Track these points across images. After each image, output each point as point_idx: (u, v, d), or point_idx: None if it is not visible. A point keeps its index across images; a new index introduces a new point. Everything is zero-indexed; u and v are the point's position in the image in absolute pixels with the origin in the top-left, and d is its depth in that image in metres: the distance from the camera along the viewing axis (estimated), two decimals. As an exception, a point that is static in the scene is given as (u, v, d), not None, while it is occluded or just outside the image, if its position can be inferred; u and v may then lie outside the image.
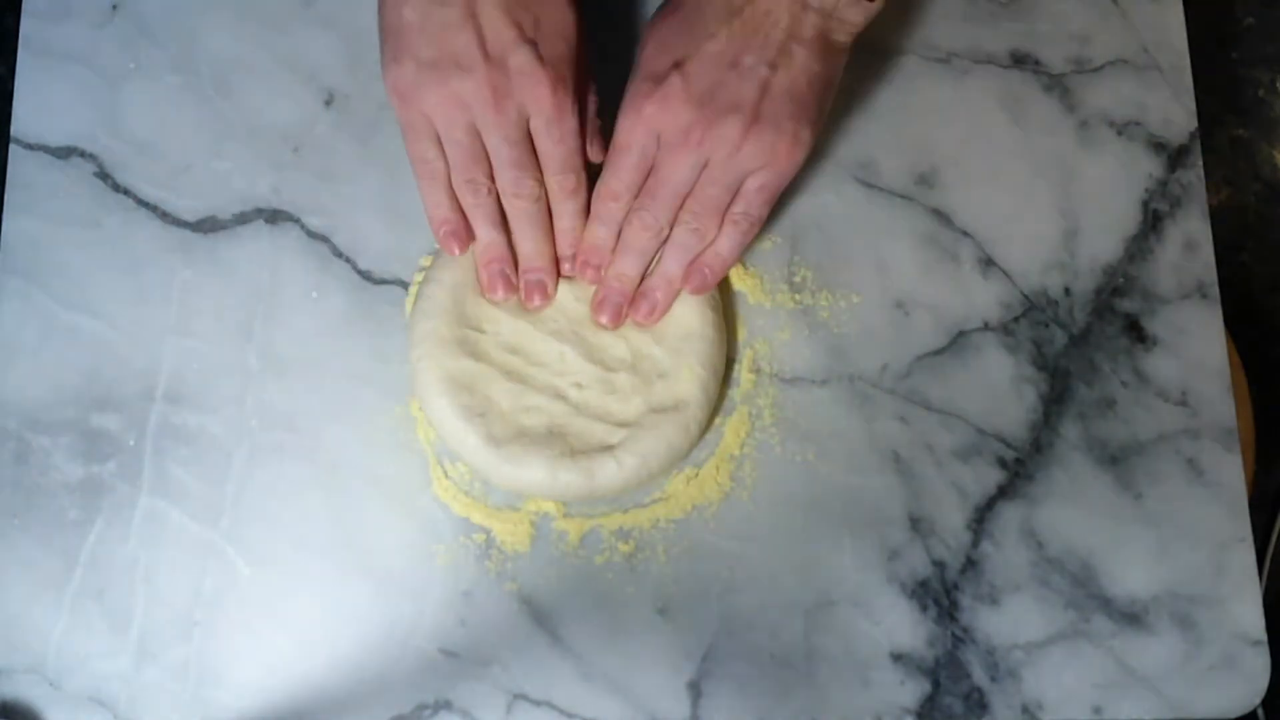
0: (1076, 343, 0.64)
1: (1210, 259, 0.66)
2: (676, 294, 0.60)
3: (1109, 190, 0.66)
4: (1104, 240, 0.66)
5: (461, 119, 0.55)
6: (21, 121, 0.64)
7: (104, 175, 0.64)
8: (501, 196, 0.58)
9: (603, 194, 0.59)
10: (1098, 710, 0.60)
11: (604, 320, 0.60)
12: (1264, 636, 0.61)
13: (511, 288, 0.60)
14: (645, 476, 0.60)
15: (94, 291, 0.62)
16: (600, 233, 0.59)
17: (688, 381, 0.60)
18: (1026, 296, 0.65)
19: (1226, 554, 0.62)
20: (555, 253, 0.60)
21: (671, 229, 0.59)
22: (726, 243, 0.59)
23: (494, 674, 0.59)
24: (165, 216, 0.63)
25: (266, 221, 0.63)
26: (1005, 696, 0.60)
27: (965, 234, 0.65)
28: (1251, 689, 0.61)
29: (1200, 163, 0.67)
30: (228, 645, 0.59)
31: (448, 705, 0.58)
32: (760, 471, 0.61)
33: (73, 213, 0.63)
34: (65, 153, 0.64)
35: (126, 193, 0.63)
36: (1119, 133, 0.67)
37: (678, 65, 0.55)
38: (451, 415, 0.59)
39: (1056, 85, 0.67)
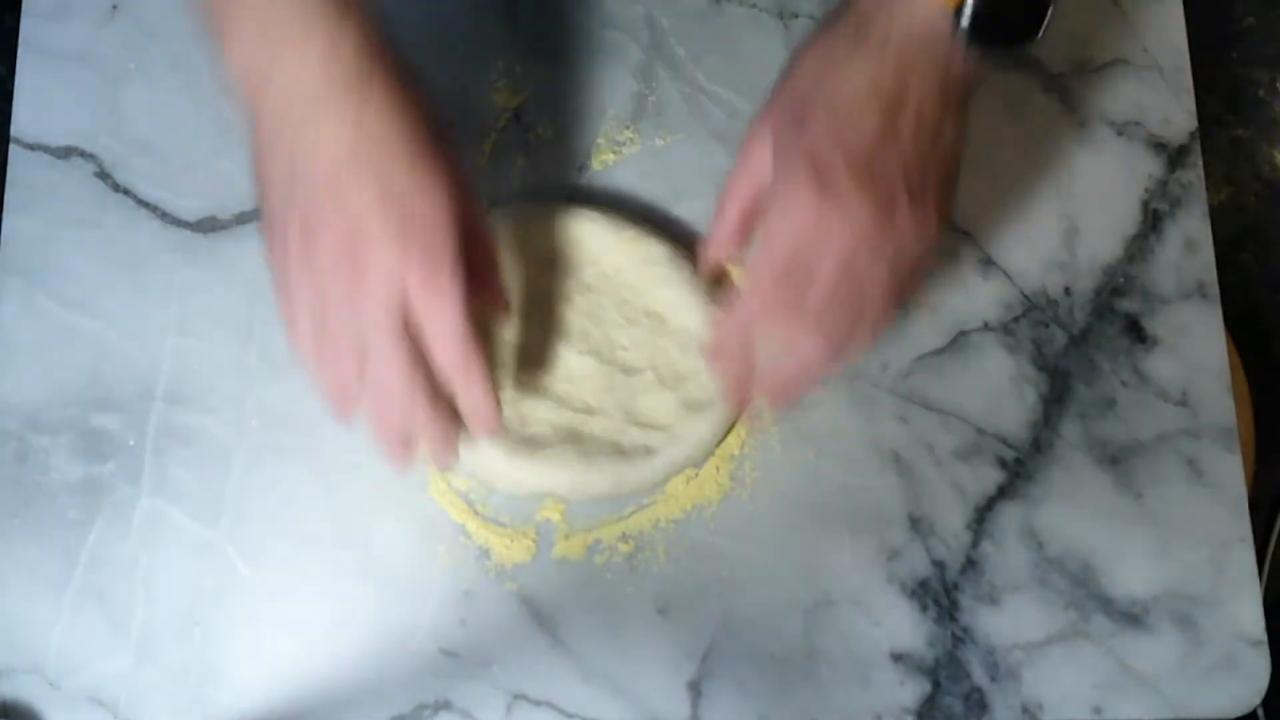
0: (1076, 343, 0.64)
1: (1210, 259, 0.66)
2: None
3: (1109, 190, 0.66)
4: (1104, 240, 0.65)
5: None
6: (21, 121, 0.64)
7: (104, 175, 0.64)
8: None
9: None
10: (1098, 710, 0.60)
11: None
12: (1264, 636, 0.61)
13: None
14: (675, 471, 0.60)
15: (94, 291, 0.62)
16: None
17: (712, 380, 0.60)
18: (1026, 296, 0.65)
19: (1226, 554, 0.62)
20: None
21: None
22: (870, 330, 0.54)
23: (494, 674, 0.59)
24: (165, 216, 0.63)
25: (266, 221, 0.63)
26: (1005, 696, 0.60)
27: (965, 234, 0.65)
28: (1251, 689, 0.61)
29: (1200, 163, 0.67)
30: (228, 645, 0.59)
31: (448, 705, 0.58)
32: (760, 471, 0.61)
33: (73, 213, 0.63)
34: (65, 153, 0.64)
35: (126, 193, 0.63)
36: (1119, 133, 0.67)
37: (845, 156, 0.50)
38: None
39: (1056, 85, 0.67)
